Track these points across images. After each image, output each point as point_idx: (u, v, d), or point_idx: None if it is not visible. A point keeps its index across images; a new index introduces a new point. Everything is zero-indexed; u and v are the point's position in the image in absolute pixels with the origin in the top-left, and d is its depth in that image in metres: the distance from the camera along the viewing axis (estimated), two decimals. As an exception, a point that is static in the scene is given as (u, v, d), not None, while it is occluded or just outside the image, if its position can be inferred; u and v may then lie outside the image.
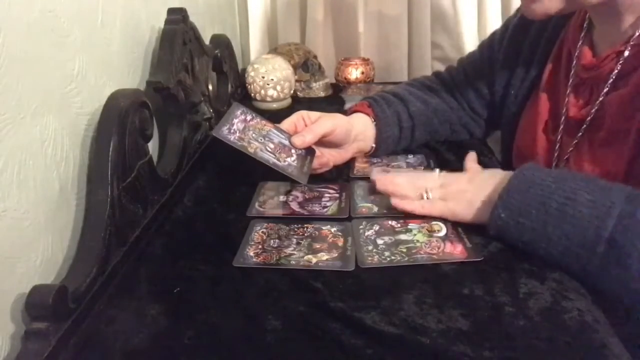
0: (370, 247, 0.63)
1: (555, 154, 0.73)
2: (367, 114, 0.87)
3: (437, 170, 0.74)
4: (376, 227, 0.67)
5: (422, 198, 0.68)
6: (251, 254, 0.62)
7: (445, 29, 1.50)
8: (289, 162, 0.73)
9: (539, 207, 0.57)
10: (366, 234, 0.65)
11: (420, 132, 0.90)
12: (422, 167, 0.84)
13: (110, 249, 0.59)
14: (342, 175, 0.83)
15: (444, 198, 0.68)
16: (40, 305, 0.48)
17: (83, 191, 0.64)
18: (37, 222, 0.55)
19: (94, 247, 0.57)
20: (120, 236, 0.62)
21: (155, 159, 0.79)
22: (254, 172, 0.81)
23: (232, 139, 0.71)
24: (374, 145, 0.87)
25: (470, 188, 0.66)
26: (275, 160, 0.71)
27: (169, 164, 0.80)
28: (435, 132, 0.92)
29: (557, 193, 0.56)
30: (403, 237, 0.64)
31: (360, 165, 0.86)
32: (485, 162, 0.88)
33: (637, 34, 0.62)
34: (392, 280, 0.57)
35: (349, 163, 0.87)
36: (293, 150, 0.75)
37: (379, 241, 0.64)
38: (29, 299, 0.49)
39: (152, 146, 0.80)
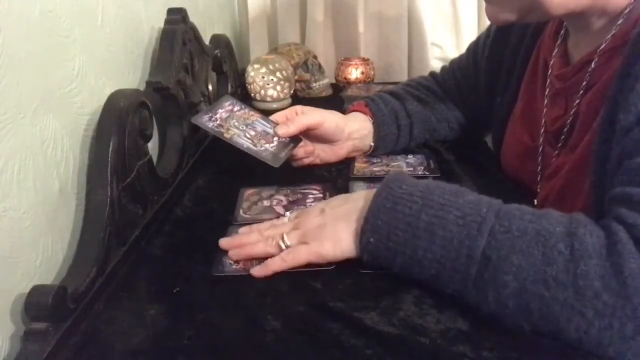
0: None
1: (539, 167, 0.72)
2: (364, 113, 0.87)
3: (287, 213, 0.67)
4: None
5: (280, 249, 0.59)
6: (229, 261, 0.61)
7: (445, 29, 1.50)
8: (266, 147, 0.73)
9: (406, 229, 0.52)
10: None
11: (418, 130, 0.90)
12: (422, 167, 0.84)
13: (110, 249, 0.59)
14: (342, 176, 0.83)
15: (304, 240, 0.59)
16: (40, 306, 0.48)
17: (83, 191, 0.64)
18: (37, 222, 0.55)
19: (94, 247, 0.57)
20: (120, 236, 0.62)
21: (155, 159, 0.79)
22: (255, 173, 0.81)
23: (210, 125, 0.72)
24: (372, 144, 0.87)
25: (327, 220, 0.59)
26: (249, 145, 0.72)
27: (168, 164, 0.80)
28: (433, 130, 0.92)
29: (424, 211, 0.52)
30: None
31: (360, 165, 0.86)
32: (483, 162, 0.89)
33: (603, 44, 0.61)
34: (391, 280, 0.57)
35: (349, 163, 0.87)
36: (275, 138, 0.76)
37: None
38: (29, 299, 0.49)
39: (152, 146, 0.80)
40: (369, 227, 0.54)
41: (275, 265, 0.58)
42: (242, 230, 0.66)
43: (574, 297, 0.45)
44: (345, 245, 0.58)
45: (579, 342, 0.46)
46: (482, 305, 0.50)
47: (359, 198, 0.60)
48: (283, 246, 0.59)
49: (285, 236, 0.60)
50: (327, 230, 0.58)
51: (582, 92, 0.64)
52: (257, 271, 0.58)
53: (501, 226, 0.49)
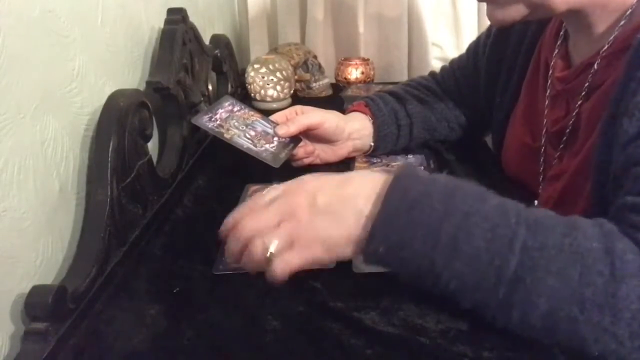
0: None
1: (541, 168, 0.72)
2: (364, 113, 0.87)
3: (266, 190, 0.53)
4: None
5: (265, 258, 0.48)
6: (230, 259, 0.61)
7: (445, 29, 1.50)
8: (266, 147, 0.74)
9: (424, 240, 0.45)
10: None
11: (418, 130, 0.90)
12: (422, 167, 0.84)
13: (110, 249, 0.59)
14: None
15: (291, 244, 0.49)
16: (40, 306, 0.48)
17: (83, 191, 0.64)
18: (37, 222, 0.55)
19: (94, 247, 0.57)
20: (120, 236, 0.62)
21: (155, 159, 0.79)
22: (254, 173, 0.81)
23: (210, 125, 0.73)
24: (372, 144, 0.87)
25: (319, 216, 0.49)
26: (249, 145, 0.73)
27: (168, 164, 0.80)
28: (434, 130, 0.92)
29: (446, 220, 0.45)
30: None
31: (360, 165, 0.86)
32: (483, 162, 0.89)
33: (605, 46, 0.60)
34: (391, 280, 0.57)
35: (349, 163, 0.87)
36: (275, 139, 0.76)
37: None
38: (29, 299, 0.49)
39: (152, 146, 0.80)
40: (380, 236, 0.47)
41: (277, 279, 0.49)
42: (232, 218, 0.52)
43: (609, 320, 0.42)
44: (340, 249, 0.49)
45: (599, 358, 0.44)
46: (502, 321, 0.46)
47: (359, 187, 0.50)
48: (268, 254, 0.48)
49: (270, 242, 0.48)
50: (318, 230, 0.49)
51: (583, 94, 0.64)
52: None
53: (534, 241, 0.44)
